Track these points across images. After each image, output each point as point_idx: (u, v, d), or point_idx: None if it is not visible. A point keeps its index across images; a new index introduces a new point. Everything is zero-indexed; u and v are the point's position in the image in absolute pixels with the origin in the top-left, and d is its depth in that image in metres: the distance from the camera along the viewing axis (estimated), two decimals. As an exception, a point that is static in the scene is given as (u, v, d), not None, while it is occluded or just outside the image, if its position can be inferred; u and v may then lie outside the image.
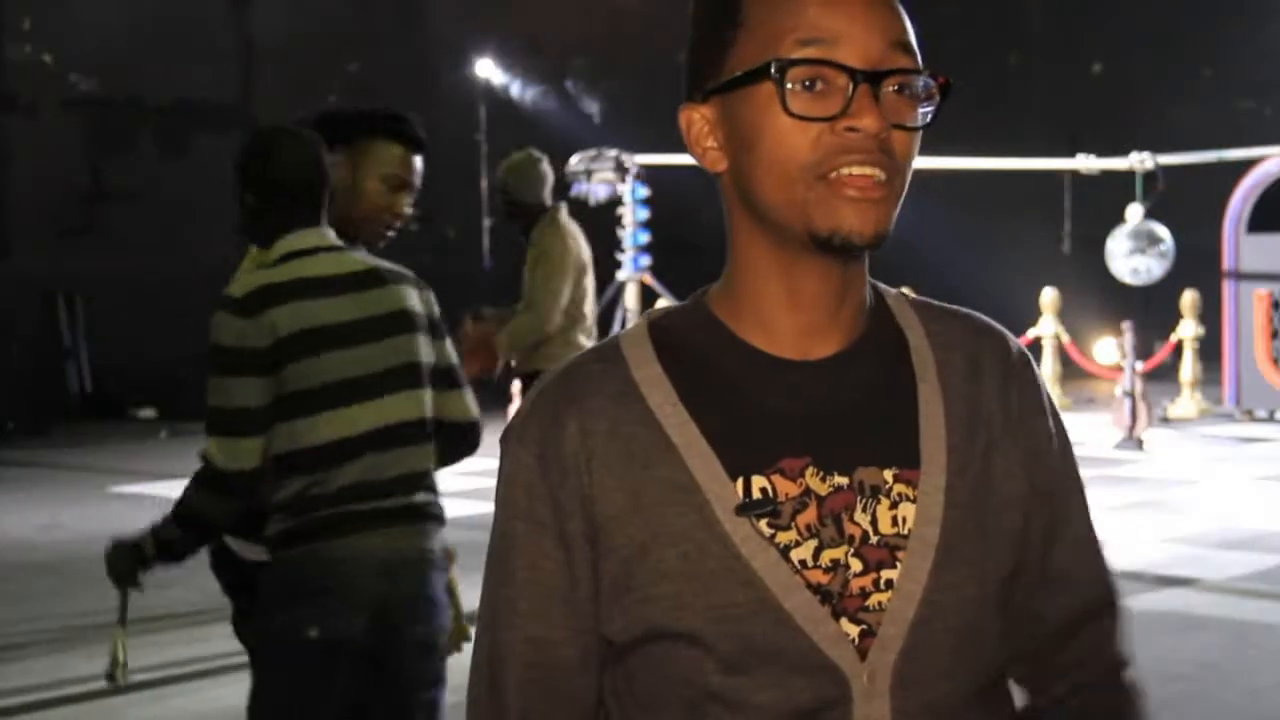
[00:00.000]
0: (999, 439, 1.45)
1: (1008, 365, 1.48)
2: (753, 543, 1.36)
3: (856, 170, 1.33)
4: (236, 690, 6.18)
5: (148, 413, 15.34)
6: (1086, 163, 14.39)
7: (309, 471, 3.15)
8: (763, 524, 1.36)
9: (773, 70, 1.34)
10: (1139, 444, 12.22)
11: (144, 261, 17.98)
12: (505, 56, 21.08)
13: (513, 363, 7.15)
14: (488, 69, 20.07)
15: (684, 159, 12.00)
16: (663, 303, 14.30)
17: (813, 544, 1.37)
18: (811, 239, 1.35)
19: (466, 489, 8.93)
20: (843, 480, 1.38)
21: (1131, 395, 12.33)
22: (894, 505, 1.39)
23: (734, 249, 1.43)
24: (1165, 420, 13.89)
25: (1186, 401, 14.34)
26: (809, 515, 1.37)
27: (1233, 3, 22.77)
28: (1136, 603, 7.53)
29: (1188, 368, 14.30)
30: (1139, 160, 13.71)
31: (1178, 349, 14.34)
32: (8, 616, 7.43)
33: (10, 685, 6.34)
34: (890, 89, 1.35)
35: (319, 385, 3.16)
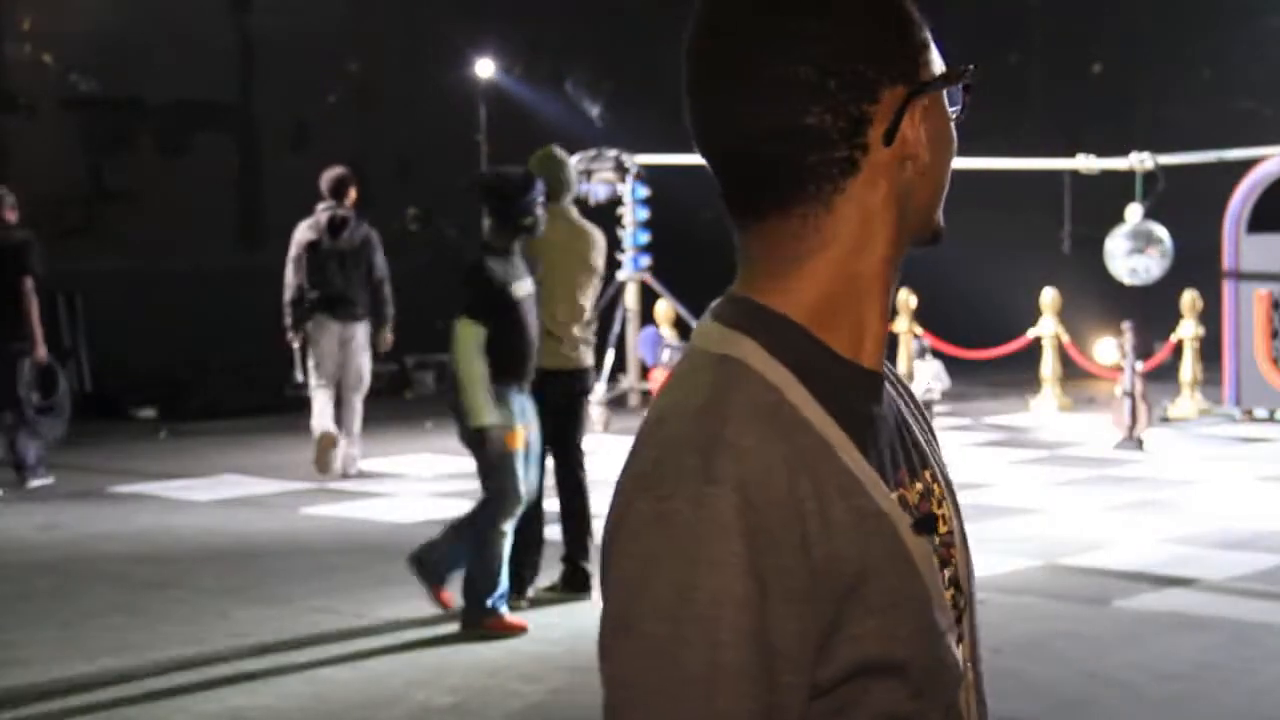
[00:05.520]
0: None
1: None
2: (926, 562, 1.33)
3: None
4: (236, 690, 6.20)
5: (148, 413, 15.33)
6: (1086, 163, 14.38)
7: None
8: (936, 540, 1.38)
9: (964, 77, 1.39)
10: (1139, 444, 12.20)
11: (144, 261, 17.97)
12: (505, 56, 21.05)
13: None
14: (488, 69, 20.04)
15: (684, 159, 11.86)
16: (663, 303, 14.34)
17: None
18: (933, 235, 1.42)
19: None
20: (921, 485, 1.41)
21: (1131, 395, 12.32)
22: (939, 504, 1.42)
23: (846, 257, 1.35)
24: (1165, 420, 13.87)
25: (1186, 401, 14.33)
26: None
27: (1232, 3, 22.76)
28: (1137, 603, 7.52)
29: (1188, 368, 14.29)
30: (1139, 160, 13.71)
31: (1178, 349, 14.32)
32: (8, 616, 7.43)
33: (10, 685, 6.33)
34: None
35: None
